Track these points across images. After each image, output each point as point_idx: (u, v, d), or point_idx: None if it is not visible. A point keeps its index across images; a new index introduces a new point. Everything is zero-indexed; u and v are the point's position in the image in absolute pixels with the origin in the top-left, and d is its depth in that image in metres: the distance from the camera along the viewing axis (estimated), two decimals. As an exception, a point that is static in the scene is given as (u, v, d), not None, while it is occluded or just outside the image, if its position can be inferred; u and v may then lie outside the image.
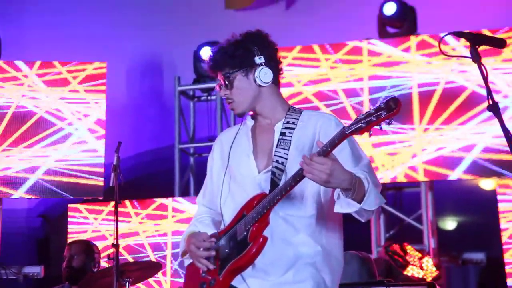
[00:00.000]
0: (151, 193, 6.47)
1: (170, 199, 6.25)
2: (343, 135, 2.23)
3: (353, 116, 5.83)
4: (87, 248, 4.86)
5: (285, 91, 5.82)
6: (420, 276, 5.47)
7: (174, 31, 7.46)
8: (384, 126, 2.18)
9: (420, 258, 5.60)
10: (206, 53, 6.54)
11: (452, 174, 5.75)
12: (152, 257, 6.08)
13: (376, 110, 2.16)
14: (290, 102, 2.86)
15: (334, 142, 2.26)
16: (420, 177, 5.85)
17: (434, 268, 5.54)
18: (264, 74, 2.60)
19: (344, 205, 2.37)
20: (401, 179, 5.91)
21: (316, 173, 2.25)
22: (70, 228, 6.33)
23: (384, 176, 5.90)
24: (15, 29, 7.38)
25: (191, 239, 2.61)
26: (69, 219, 6.35)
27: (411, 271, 5.45)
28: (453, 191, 7.73)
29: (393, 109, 2.13)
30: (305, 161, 2.27)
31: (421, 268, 5.52)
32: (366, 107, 5.90)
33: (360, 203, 2.34)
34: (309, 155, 2.29)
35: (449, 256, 6.56)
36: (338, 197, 2.39)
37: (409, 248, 5.66)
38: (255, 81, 2.61)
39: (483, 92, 5.42)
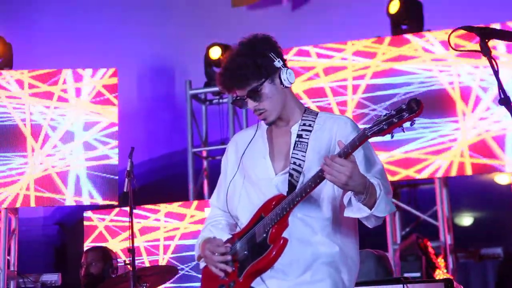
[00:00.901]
0: (165, 198, 6.47)
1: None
2: (364, 137, 2.24)
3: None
4: (105, 254, 4.88)
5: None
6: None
7: (183, 34, 7.48)
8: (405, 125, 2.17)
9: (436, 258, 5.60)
10: (215, 52, 6.55)
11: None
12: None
13: (397, 112, 2.15)
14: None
15: (355, 144, 2.27)
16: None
17: (445, 270, 5.53)
18: (289, 75, 2.58)
19: (355, 210, 2.39)
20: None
21: (336, 174, 2.26)
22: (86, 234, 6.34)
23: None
24: (21, 36, 7.42)
25: (205, 244, 2.61)
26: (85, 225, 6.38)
27: (438, 276, 5.43)
28: (468, 187, 7.69)
29: (415, 110, 2.13)
30: (326, 162, 2.28)
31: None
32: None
33: (371, 209, 2.35)
34: (330, 156, 2.29)
35: (466, 252, 6.53)
36: (349, 201, 2.41)
37: (428, 245, 5.66)
38: (282, 84, 2.58)
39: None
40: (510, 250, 8.95)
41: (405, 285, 3.77)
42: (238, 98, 2.60)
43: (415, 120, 2.15)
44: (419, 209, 6.30)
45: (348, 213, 2.42)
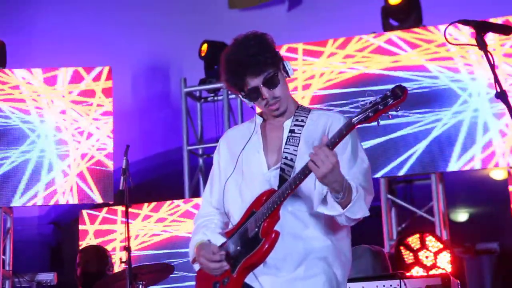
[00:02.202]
0: (161, 196, 6.46)
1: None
2: (351, 125, 2.25)
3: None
4: (99, 252, 4.87)
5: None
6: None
7: (178, 32, 7.47)
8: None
9: (437, 253, 5.55)
10: (204, 49, 6.55)
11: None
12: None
13: (382, 99, 2.18)
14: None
15: (342, 133, 2.28)
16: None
17: (449, 266, 5.47)
18: (290, 65, 2.64)
19: (329, 207, 2.40)
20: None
21: (320, 163, 2.26)
22: (82, 234, 6.33)
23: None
24: (18, 35, 7.40)
25: (200, 250, 2.60)
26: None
27: (415, 273, 5.40)
28: (464, 182, 7.70)
29: (400, 96, 2.15)
30: (314, 149, 2.28)
31: (435, 265, 5.48)
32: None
33: (343, 209, 2.37)
34: (319, 144, 2.31)
35: (462, 247, 6.53)
36: (324, 198, 2.41)
37: (429, 239, 5.62)
38: (287, 75, 2.62)
39: None
40: (506, 245, 8.97)
41: (402, 280, 3.77)
42: (252, 89, 2.57)
43: (399, 107, 2.16)
44: (415, 205, 6.30)
45: (320, 208, 2.43)
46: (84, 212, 6.30)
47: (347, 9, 7.03)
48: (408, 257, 5.54)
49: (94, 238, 6.19)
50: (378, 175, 5.85)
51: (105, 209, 6.27)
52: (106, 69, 6.26)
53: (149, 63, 7.61)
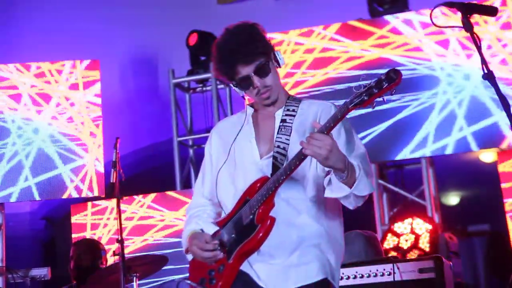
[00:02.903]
0: (152, 188, 6.46)
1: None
2: (346, 109, 2.26)
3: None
4: (93, 246, 4.86)
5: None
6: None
7: (166, 25, 7.44)
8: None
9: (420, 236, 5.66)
10: (193, 39, 6.53)
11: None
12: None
13: (377, 83, 2.18)
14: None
15: (337, 117, 2.29)
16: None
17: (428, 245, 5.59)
18: (281, 55, 2.64)
19: (335, 189, 2.41)
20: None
21: (316, 149, 2.27)
22: (75, 228, 6.33)
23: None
24: (3, 29, 7.36)
25: (193, 240, 2.60)
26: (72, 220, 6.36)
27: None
28: (453, 166, 7.74)
29: (394, 79, 2.16)
30: (306, 138, 2.29)
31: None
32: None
33: (350, 188, 2.37)
34: (312, 132, 2.32)
35: (454, 230, 6.58)
36: (329, 182, 2.42)
37: (416, 222, 5.70)
38: (278, 64, 2.62)
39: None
40: (496, 226, 9.03)
41: (395, 264, 3.79)
42: (244, 77, 2.58)
43: (394, 90, 2.17)
44: (406, 189, 6.33)
45: (328, 193, 2.44)
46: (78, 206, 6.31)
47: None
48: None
49: (90, 230, 6.19)
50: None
51: (97, 201, 6.27)
52: (94, 62, 6.24)
53: (137, 56, 7.58)
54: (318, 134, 2.28)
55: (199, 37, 6.50)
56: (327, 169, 2.42)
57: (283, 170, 2.41)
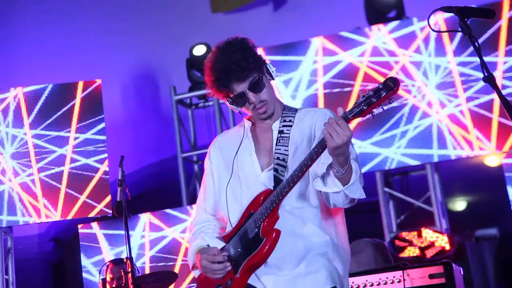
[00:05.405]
0: (159, 206, 6.46)
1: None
2: (346, 120, 2.27)
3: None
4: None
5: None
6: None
7: (164, 41, 7.47)
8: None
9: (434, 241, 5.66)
10: (199, 50, 6.50)
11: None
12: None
13: (375, 92, 2.19)
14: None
15: None
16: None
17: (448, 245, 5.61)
18: (274, 68, 2.65)
19: (329, 183, 2.41)
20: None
21: (335, 134, 2.27)
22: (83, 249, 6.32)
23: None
24: (3, 51, 7.39)
25: (201, 254, 2.59)
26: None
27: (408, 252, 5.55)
28: (459, 171, 7.73)
29: (393, 88, 2.17)
30: (329, 121, 2.29)
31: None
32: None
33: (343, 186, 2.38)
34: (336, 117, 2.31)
35: (462, 235, 6.56)
36: (324, 175, 2.42)
37: (425, 232, 5.71)
38: (271, 77, 2.63)
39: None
40: (505, 230, 9.00)
41: (404, 270, 3.78)
42: (239, 94, 2.60)
43: (393, 98, 2.18)
44: (412, 196, 6.32)
45: (319, 185, 2.44)
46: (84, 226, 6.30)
47: (331, 6, 7.04)
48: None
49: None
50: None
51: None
52: (97, 82, 6.24)
53: (137, 74, 7.60)
54: (344, 122, 2.28)
55: (207, 49, 6.45)
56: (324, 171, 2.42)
57: (286, 182, 2.42)
